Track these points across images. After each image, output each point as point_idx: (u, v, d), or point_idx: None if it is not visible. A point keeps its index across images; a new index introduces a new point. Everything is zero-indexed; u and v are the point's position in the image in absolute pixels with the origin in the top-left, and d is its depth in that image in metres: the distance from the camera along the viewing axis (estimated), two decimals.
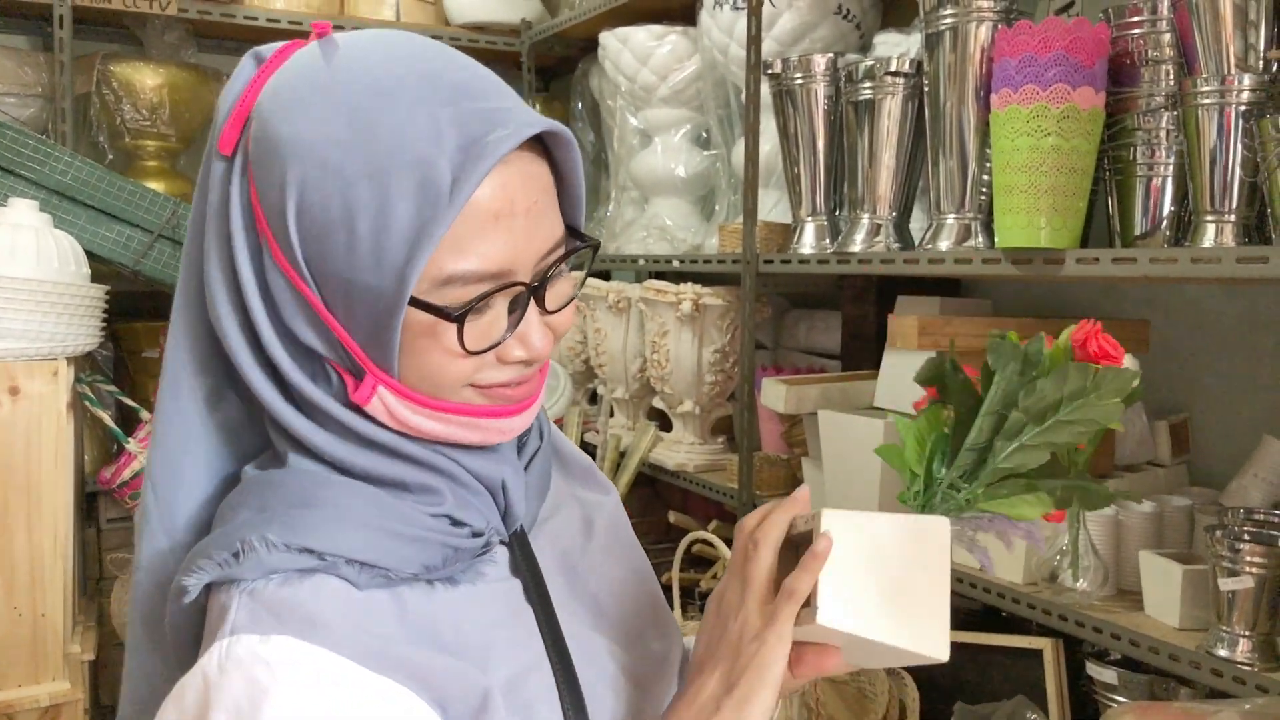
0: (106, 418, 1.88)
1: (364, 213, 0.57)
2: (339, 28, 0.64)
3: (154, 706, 0.60)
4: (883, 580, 0.61)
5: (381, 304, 0.59)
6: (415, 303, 0.59)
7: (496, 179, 0.58)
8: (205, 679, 0.56)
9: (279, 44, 0.65)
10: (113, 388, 1.99)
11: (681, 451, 1.99)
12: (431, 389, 0.63)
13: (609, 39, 2.12)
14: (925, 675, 1.41)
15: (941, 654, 0.63)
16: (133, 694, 0.70)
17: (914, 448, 0.69)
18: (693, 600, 1.91)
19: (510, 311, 0.63)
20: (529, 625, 0.66)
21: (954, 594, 1.62)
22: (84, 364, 1.93)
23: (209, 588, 0.60)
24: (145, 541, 0.66)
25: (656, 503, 2.32)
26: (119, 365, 2.26)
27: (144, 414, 1.93)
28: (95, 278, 1.81)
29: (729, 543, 1.63)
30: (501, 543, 0.68)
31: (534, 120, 0.60)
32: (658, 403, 2.07)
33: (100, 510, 2.20)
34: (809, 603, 0.61)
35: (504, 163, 0.58)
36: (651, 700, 0.69)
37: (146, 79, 2.20)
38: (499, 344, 0.62)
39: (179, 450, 0.66)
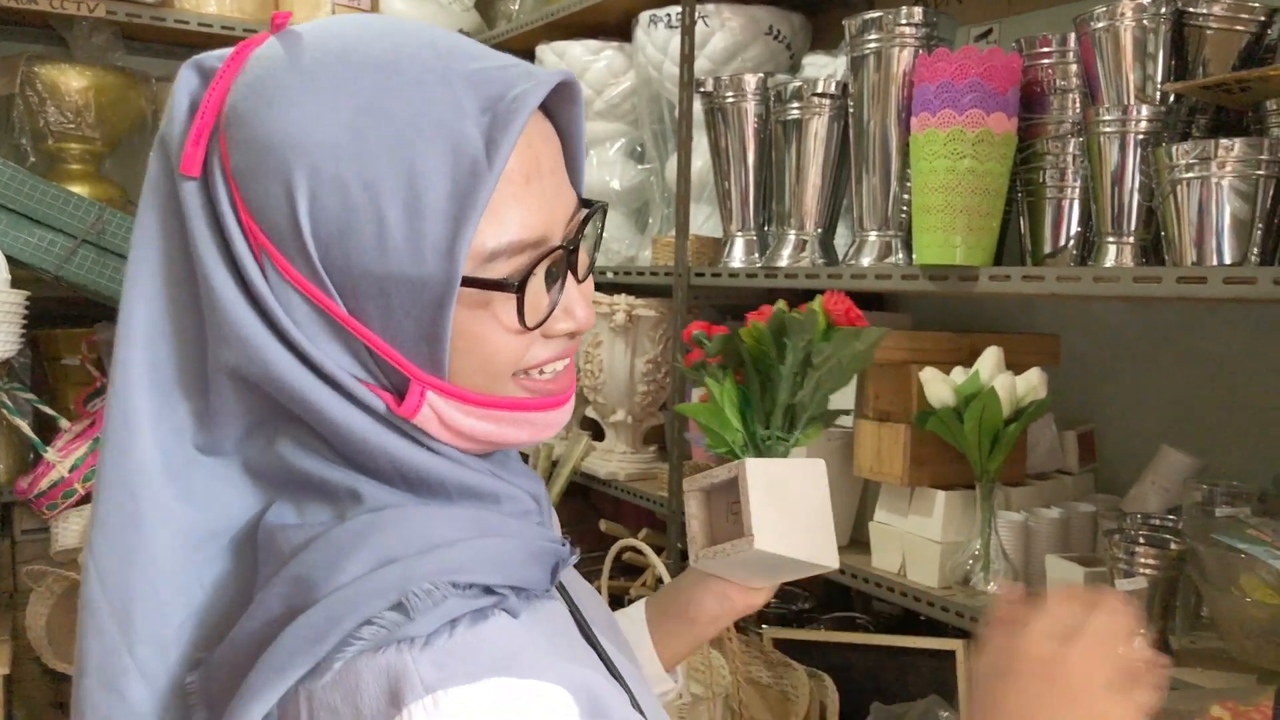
0: (24, 426, 1.84)
1: (392, 197, 0.52)
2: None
3: None
4: (792, 510, 0.76)
5: (428, 294, 0.54)
6: (467, 282, 0.54)
7: (522, 140, 0.55)
8: None
9: (220, 51, 0.59)
10: (31, 395, 1.95)
11: (614, 461, 2.02)
12: (483, 382, 0.58)
13: (546, 52, 2.14)
14: (845, 677, 1.46)
15: (835, 563, 0.79)
16: None
17: (730, 407, 0.81)
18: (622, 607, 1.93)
19: (550, 281, 0.59)
20: (584, 643, 0.64)
21: (874, 599, 1.69)
22: (1, 371, 1.88)
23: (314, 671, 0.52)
24: (92, 639, 0.57)
25: (589, 512, 2.34)
26: (37, 372, 2.21)
27: (63, 422, 1.89)
28: (15, 283, 1.77)
29: (659, 550, 1.66)
30: None
31: (549, 73, 0.57)
32: (590, 412, 2.10)
33: (15, 521, 2.15)
34: (741, 532, 0.75)
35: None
36: None
37: (72, 81, 2.16)
38: (550, 315, 0.58)
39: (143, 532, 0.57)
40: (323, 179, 0.53)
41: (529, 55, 2.21)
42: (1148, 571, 1.09)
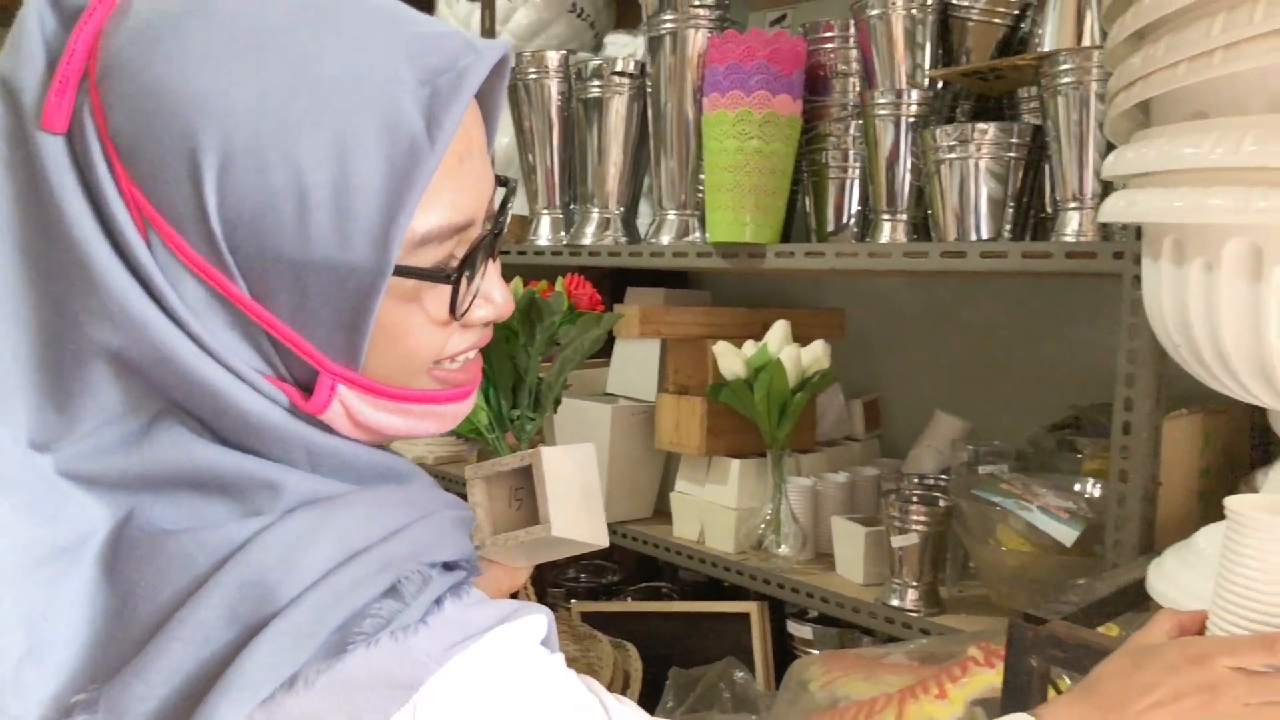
0: None
1: (318, 177, 0.47)
2: None
3: None
4: (575, 494, 0.79)
5: (353, 282, 0.49)
6: (399, 271, 0.50)
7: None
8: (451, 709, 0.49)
9: None
10: None
11: (421, 444, 1.98)
12: (399, 374, 0.54)
13: None
14: (651, 645, 1.49)
15: (605, 542, 0.83)
16: None
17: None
18: None
19: (469, 267, 0.54)
20: None
21: (672, 567, 1.73)
22: None
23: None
24: None
25: None
26: None
27: None
28: None
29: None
30: None
31: (488, 44, 0.53)
32: None
33: None
34: (528, 519, 0.78)
35: None
36: None
37: None
38: (472, 303, 0.55)
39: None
40: (237, 152, 0.46)
41: None
42: (919, 528, 1.17)
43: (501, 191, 0.58)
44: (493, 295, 0.57)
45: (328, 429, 0.54)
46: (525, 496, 0.80)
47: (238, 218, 0.47)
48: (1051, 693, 0.78)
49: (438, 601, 0.51)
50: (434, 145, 0.48)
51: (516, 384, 0.88)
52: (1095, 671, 0.63)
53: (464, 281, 0.54)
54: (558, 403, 0.91)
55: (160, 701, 0.47)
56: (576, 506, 0.79)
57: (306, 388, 0.53)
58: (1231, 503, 0.59)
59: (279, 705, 0.47)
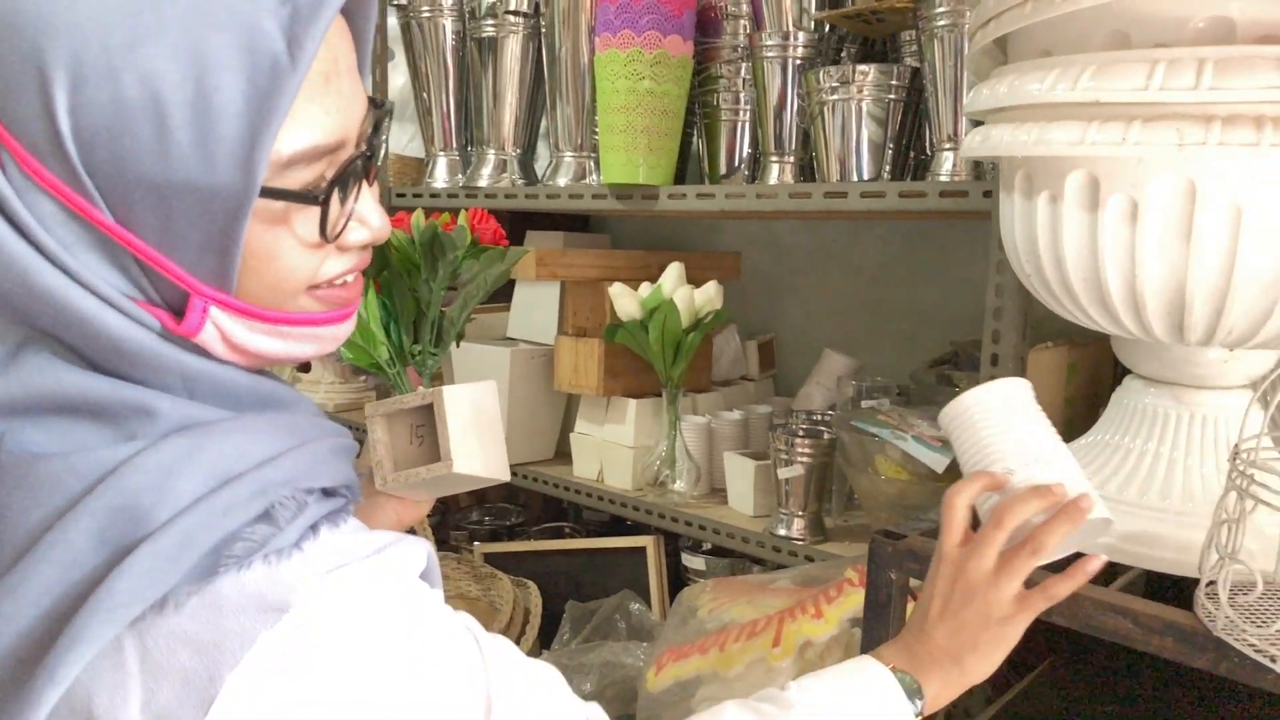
0: None
1: (175, 95, 0.46)
2: None
3: None
4: (477, 431, 0.80)
5: (219, 204, 0.48)
6: (265, 193, 0.49)
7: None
8: (316, 633, 0.49)
9: None
10: None
11: (320, 391, 1.96)
12: (275, 297, 0.54)
13: None
14: (552, 582, 1.52)
15: (507, 476, 0.84)
16: None
17: (374, 321, 0.83)
18: None
19: (344, 189, 0.54)
20: None
21: (576, 507, 1.74)
22: None
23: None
24: None
25: None
26: None
27: None
28: None
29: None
30: None
31: None
32: None
33: None
34: (429, 456, 0.78)
35: None
36: None
37: None
38: (346, 226, 0.55)
39: None
40: (88, 69, 0.45)
41: None
42: (804, 460, 1.21)
43: (375, 113, 0.57)
44: (369, 218, 0.57)
45: (204, 353, 0.54)
46: (426, 434, 0.81)
47: (94, 138, 0.47)
48: (911, 606, 0.83)
49: (313, 527, 0.52)
50: (295, 65, 0.48)
51: (418, 319, 0.87)
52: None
53: (335, 203, 0.53)
54: (460, 338, 0.91)
55: (29, 622, 0.47)
56: (477, 443, 0.80)
57: (179, 311, 0.52)
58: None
59: (149, 626, 0.48)
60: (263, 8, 0.48)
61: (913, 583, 0.80)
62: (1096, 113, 0.65)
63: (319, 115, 0.51)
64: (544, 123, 1.60)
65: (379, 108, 0.58)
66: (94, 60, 0.45)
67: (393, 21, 1.70)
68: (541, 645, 1.43)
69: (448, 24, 1.63)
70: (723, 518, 1.31)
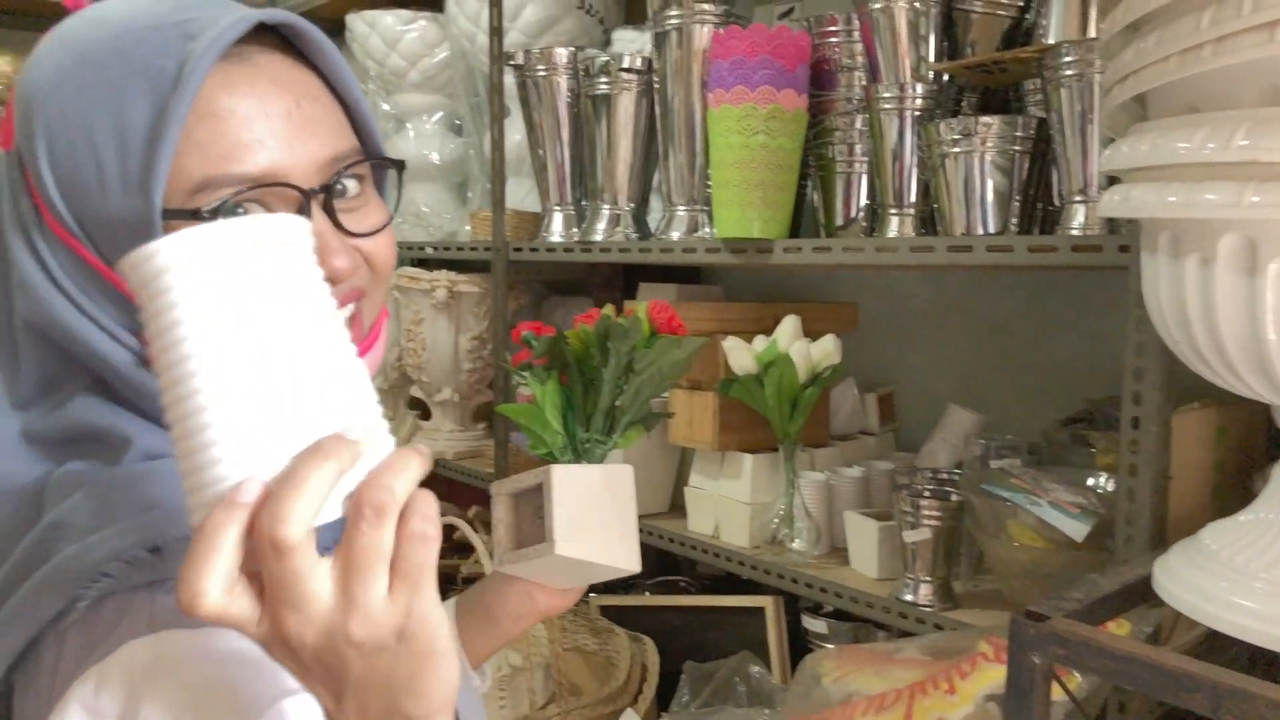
0: None
1: (105, 137, 0.55)
2: None
3: None
4: (595, 516, 0.77)
5: (139, 229, 0.54)
6: (169, 214, 0.55)
7: (242, 78, 0.57)
8: (129, 682, 0.50)
9: None
10: None
11: (440, 439, 2.00)
12: None
13: (356, 22, 2.08)
14: (667, 638, 1.50)
15: (636, 567, 0.80)
16: None
17: (551, 410, 0.81)
18: (455, 585, 1.93)
19: (233, 210, 0.58)
20: None
21: (690, 561, 1.71)
22: None
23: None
24: None
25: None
26: None
27: None
28: None
29: (488, 527, 1.66)
30: None
31: (266, 12, 0.58)
32: (416, 391, 2.07)
33: None
34: (541, 538, 0.75)
35: (251, 65, 0.57)
36: None
37: None
38: None
39: None
40: (55, 128, 0.56)
41: (339, 25, 2.15)
42: (931, 522, 1.16)
43: (346, 163, 0.61)
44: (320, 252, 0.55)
45: None
46: (545, 515, 0.78)
47: (66, 184, 0.56)
48: (1057, 690, 0.78)
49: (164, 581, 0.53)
50: (180, 89, 0.54)
51: (592, 409, 0.87)
52: None
53: None
54: (639, 428, 0.86)
55: None
56: (593, 527, 0.77)
57: None
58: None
59: (61, 635, 0.53)
60: (171, 53, 0.55)
61: None
62: (1254, 172, 0.60)
63: (230, 147, 0.56)
64: (656, 176, 1.61)
65: (394, 166, 0.65)
66: (56, 119, 0.56)
67: (510, 80, 1.73)
68: (659, 706, 1.40)
69: (563, 82, 1.65)
70: (845, 580, 1.27)
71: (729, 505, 1.42)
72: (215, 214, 0.55)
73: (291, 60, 0.60)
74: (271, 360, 0.43)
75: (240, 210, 0.56)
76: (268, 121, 0.57)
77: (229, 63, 0.57)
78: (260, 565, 0.43)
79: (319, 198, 0.59)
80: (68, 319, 0.57)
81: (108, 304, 0.58)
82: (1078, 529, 1.02)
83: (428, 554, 0.44)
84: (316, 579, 0.42)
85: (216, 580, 0.42)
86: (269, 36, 0.60)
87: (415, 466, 0.45)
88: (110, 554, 0.52)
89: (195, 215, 0.55)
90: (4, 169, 0.60)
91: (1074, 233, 1.03)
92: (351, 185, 0.62)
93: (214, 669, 0.51)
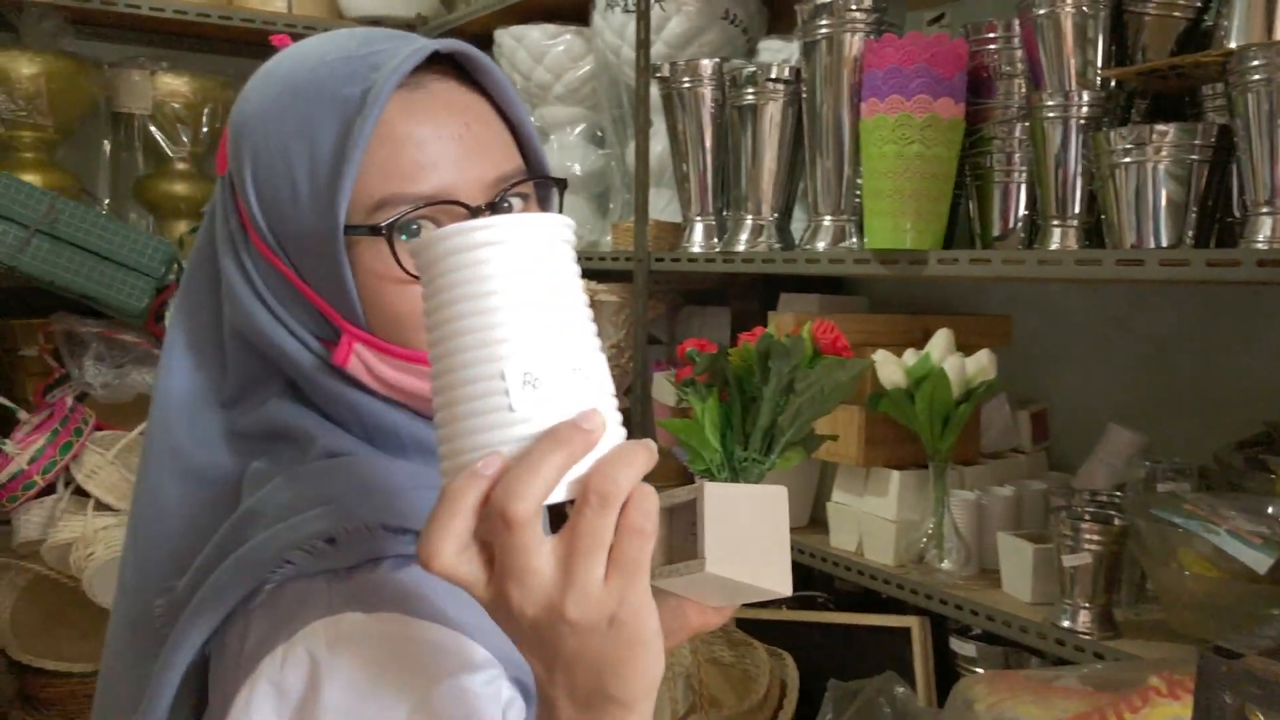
0: None
1: (299, 159, 0.60)
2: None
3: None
4: (747, 536, 0.75)
5: (326, 243, 0.60)
6: (350, 229, 0.60)
7: (419, 104, 0.61)
8: (311, 657, 0.53)
9: None
10: None
11: None
12: (401, 333, 0.62)
13: (504, 37, 2.13)
14: (805, 655, 1.49)
15: (787, 590, 0.78)
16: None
17: (710, 427, 0.80)
18: None
19: (401, 227, 0.62)
20: None
21: (833, 578, 1.69)
22: None
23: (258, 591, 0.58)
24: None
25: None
26: None
27: (21, 414, 1.88)
28: None
29: None
30: None
31: (440, 42, 0.63)
32: None
33: None
34: (693, 555, 0.73)
35: (426, 91, 0.61)
36: None
37: (23, 68, 2.12)
38: None
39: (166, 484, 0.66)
40: (259, 153, 0.62)
41: (486, 39, 2.21)
42: (1092, 547, 1.11)
43: (512, 181, 0.64)
44: None
45: (367, 390, 0.63)
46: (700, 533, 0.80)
47: (267, 203, 0.62)
48: None
49: (376, 561, 0.57)
50: (364, 116, 0.58)
51: (750, 427, 0.86)
52: None
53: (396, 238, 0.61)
54: (800, 449, 0.86)
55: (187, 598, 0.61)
56: (744, 547, 0.76)
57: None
58: None
59: (249, 614, 0.57)
60: (358, 84, 0.60)
61: None
62: None
63: (409, 168, 0.60)
64: (800, 186, 1.59)
65: (556, 184, 0.68)
66: (260, 146, 0.62)
67: (654, 92, 1.75)
68: None
69: (707, 92, 1.66)
70: (996, 603, 1.23)
71: (874, 522, 1.39)
72: (391, 230, 0.60)
73: (463, 85, 0.64)
74: (567, 338, 0.47)
75: (414, 227, 0.61)
76: (440, 144, 0.61)
77: (408, 90, 0.61)
78: (492, 536, 0.45)
79: (485, 214, 0.62)
80: (266, 326, 0.64)
81: (300, 312, 0.64)
82: (1260, 560, 0.96)
83: (643, 549, 0.46)
84: (540, 555, 0.45)
85: (451, 542, 0.45)
86: (443, 64, 0.64)
87: (642, 461, 0.47)
88: (293, 542, 0.57)
89: (374, 231, 0.60)
90: (219, 192, 0.67)
91: (1259, 246, 0.98)
92: (516, 203, 0.65)
93: (389, 648, 0.54)
